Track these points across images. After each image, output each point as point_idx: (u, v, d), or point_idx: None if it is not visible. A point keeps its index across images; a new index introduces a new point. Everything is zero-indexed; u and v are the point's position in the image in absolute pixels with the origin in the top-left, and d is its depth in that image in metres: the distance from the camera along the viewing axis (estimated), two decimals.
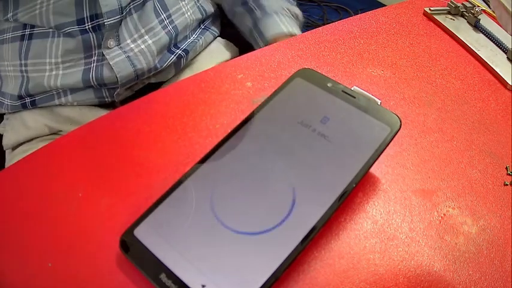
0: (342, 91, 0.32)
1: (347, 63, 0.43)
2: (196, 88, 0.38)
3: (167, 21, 0.57)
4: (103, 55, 0.52)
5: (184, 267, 0.25)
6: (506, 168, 0.35)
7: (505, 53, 0.46)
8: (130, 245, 0.26)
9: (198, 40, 0.62)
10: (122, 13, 0.51)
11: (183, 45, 0.59)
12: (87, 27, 0.50)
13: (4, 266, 0.26)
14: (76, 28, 0.50)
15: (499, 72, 0.44)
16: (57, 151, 0.33)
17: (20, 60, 0.52)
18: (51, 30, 0.50)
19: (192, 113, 0.36)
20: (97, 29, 0.51)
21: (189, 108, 0.37)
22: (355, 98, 0.32)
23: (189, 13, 0.60)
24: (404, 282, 0.27)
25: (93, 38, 0.51)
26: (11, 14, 0.50)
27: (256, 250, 0.25)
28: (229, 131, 0.31)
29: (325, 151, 0.29)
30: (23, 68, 0.53)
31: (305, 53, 0.43)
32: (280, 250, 0.25)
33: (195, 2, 0.61)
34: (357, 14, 0.50)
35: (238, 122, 0.32)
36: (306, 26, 1.74)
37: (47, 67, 0.52)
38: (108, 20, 0.50)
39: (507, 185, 0.34)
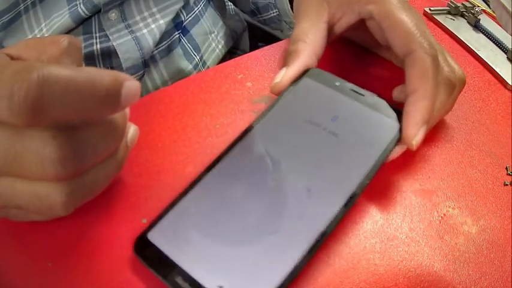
0: (351, 89, 0.33)
1: (347, 63, 0.43)
2: (196, 88, 0.38)
3: (201, 64, 0.52)
4: None
5: (201, 269, 0.24)
6: (506, 168, 0.35)
7: (505, 53, 0.46)
8: (144, 249, 0.25)
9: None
10: (146, 67, 0.47)
11: None
12: None
13: (4, 266, 0.26)
14: None
15: (499, 72, 0.44)
16: None
17: None
18: None
19: (192, 113, 0.36)
20: None
21: (189, 108, 0.37)
22: (364, 96, 0.32)
23: (220, 46, 0.54)
24: (404, 282, 0.27)
25: None
26: None
27: (272, 250, 0.25)
28: (241, 131, 0.31)
29: (336, 149, 0.29)
30: None
31: None
32: (296, 249, 0.25)
33: (226, 27, 0.56)
34: None
35: (238, 122, 0.32)
36: None
37: None
38: (132, 76, 0.45)
39: (507, 185, 0.34)
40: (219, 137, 0.34)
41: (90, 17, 0.44)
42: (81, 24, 0.44)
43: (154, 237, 0.26)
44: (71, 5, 0.42)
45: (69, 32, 0.43)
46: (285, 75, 0.32)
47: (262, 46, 0.44)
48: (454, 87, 0.33)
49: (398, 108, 0.31)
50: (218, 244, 0.26)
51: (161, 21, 0.47)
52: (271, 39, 0.68)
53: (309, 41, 0.34)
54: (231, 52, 0.60)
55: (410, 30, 0.31)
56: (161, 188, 0.31)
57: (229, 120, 0.36)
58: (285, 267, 0.24)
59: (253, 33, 0.69)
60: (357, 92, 0.32)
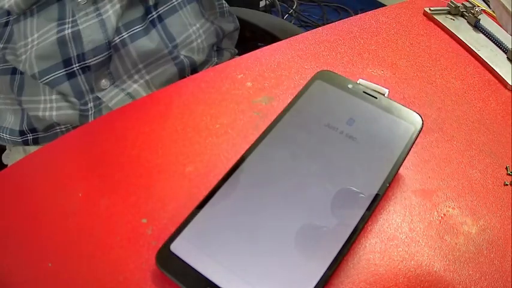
0: (363, 92, 0.33)
1: (347, 63, 0.43)
2: (196, 88, 0.38)
3: (176, 51, 0.52)
4: (99, 98, 0.48)
5: (229, 279, 0.24)
6: (506, 168, 0.35)
7: (505, 53, 0.46)
8: (168, 262, 0.25)
9: (213, 62, 0.57)
10: (110, 49, 0.47)
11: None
12: (75, 68, 0.46)
13: (4, 266, 0.26)
14: (63, 72, 0.45)
15: (499, 72, 0.44)
16: (57, 151, 0.33)
17: (15, 95, 0.48)
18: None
19: (192, 113, 0.36)
20: (86, 70, 0.46)
21: (189, 108, 0.37)
22: (376, 98, 0.32)
23: (199, 40, 0.54)
24: (404, 282, 0.27)
25: (82, 81, 0.46)
26: (1, 46, 0.46)
27: (300, 256, 0.25)
28: (257, 136, 0.31)
29: (355, 153, 0.30)
30: (22, 105, 0.48)
31: (305, 53, 0.43)
32: (324, 255, 0.25)
33: (211, 23, 0.56)
34: (357, 14, 0.50)
35: (238, 122, 0.32)
36: (306, 26, 1.74)
37: (41, 105, 0.48)
38: (94, 59, 0.45)
39: (507, 185, 0.34)
40: (219, 137, 0.34)
41: (62, 0, 0.45)
42: (58, 12, 0.45)
43: (177, 248, 0.25)
44: None
45: (42, 5, 0.44)
46: None
47: (262, 46, 0.44)
48: None
49: (411, 110, 0.32)
50: (246, 252, 0.25)
51: (124, 2, 0.47)
52: (271, 39, 0.68)
53: None
54: (221, 49, 0.61)
55: None
56: (161, 188, 0.31)
57: (229, 120, 0.36)
58: (315, 275, 0.24)
59: (253, 34, 0.69)
60: (369, 95, 0.32)
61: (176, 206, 0.30)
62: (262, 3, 1.48)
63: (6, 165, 0.57)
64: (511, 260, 0.29)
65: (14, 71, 0.47)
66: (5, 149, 0.57)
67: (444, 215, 0.31)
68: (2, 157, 0.57)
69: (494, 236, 0.30)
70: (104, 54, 0.46)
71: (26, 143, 0.51)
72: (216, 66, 0.41)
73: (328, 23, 0.65)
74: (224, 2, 0.60)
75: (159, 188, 0.31)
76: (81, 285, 0.26)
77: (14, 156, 0.55)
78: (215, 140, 0.34)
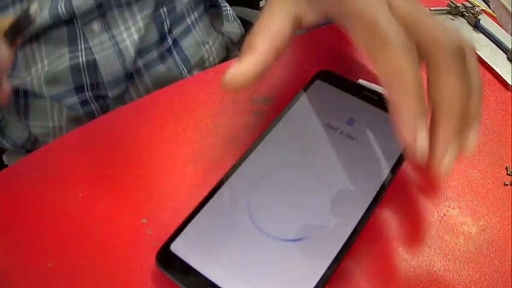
0: (364, 92, 0.33)
1: (347, 63, 0.43)
2: (196, 88, 0.38)
3: (189, 75, 0.50)
4: None
5: (229, 280, 0.24)
6: (506, 168, 0.35)
7: (505, 53, 0.46)
8: (168, 262, 0.25)
9: None
10: (127, 79, 0.45)
11: None
12: (88, 97, 0.44)
13: (4, 266, 0.26)
14: (75, 98, 0.44)
15: (499, 72, 0.44)
16: (57, 151, 0.33)
17: (20, 118, 0.46)
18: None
19: (192, 113, 0.36)
20: (100, 99, 0.45)
21: (189, 108, 0.37)
22: (377, 98, 0.32)
23: (211, 57, 0.53)
24: (404, 282, 0.27)
25: (96, 109, 0.46)
26: None
27: (300, 256, 0.25)
28: (257, 136, 0.31)
29: (355, 153, 0.30)
30: (27, 127, 0.47)
31: (305, 53, 0.43)
32: (324, 255, 0.25)
33: (221, 34, 0.55)
34: None
35: (238, 122, 0.32)
36: None
37: (51, 131, 0.46)
38: (113, 91, 0.44)
39: (507, 185, 0.34)
40: (219, 137, 0.34)
41: (71, 24, 0.43)
42: (67, 37, 0.43)
43: (177, 248, 0.25)
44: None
45: (49, 29, 0.42)
46: (237, 70, 0.26)
47: None
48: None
49: None
50: (246, 252, 0.25)
51: (140, 24, 0.45)
52: None
53: (267, 32, 0.29)
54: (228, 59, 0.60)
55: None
56: (161, 188, 0.31)
57: (229, 120, 0.36)
58: (315, 275, 0.24)
59: None
60: (370, 94, 0.32)
61: (176, 206, 0.30)
62: (262, 3, 1.48)
63: (6, 165, 0.56)
64: (511, 260, 0.29)
65: (16, 93, 0.45)
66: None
67: (444, 215, 0.31)
68: (3, 156, 0.57)
69: (494, 236, 0.30)
70: (122, 86, 0.45)
71: (28, 151, 0.51)
72: (216, 66, 0.41)
73: (328, 23, 0.65)
74: (227, 4, 0.60)
75: (159, 188, 0.31)
76: (81, 285, 0.26)
77: (16, 155, 0.55)
78: (215, 140, 0.34)
